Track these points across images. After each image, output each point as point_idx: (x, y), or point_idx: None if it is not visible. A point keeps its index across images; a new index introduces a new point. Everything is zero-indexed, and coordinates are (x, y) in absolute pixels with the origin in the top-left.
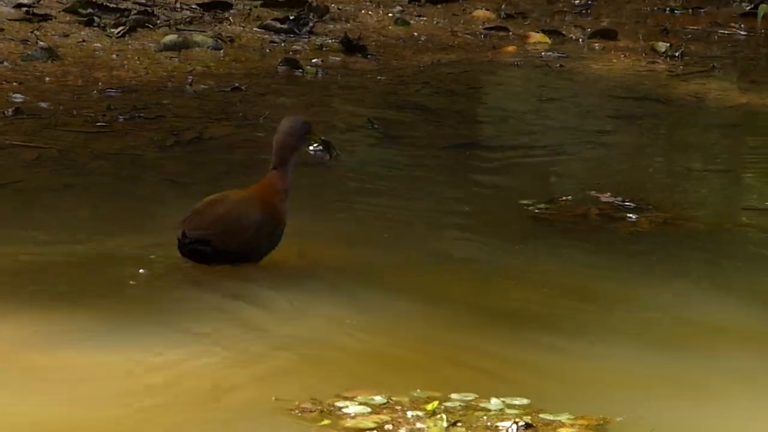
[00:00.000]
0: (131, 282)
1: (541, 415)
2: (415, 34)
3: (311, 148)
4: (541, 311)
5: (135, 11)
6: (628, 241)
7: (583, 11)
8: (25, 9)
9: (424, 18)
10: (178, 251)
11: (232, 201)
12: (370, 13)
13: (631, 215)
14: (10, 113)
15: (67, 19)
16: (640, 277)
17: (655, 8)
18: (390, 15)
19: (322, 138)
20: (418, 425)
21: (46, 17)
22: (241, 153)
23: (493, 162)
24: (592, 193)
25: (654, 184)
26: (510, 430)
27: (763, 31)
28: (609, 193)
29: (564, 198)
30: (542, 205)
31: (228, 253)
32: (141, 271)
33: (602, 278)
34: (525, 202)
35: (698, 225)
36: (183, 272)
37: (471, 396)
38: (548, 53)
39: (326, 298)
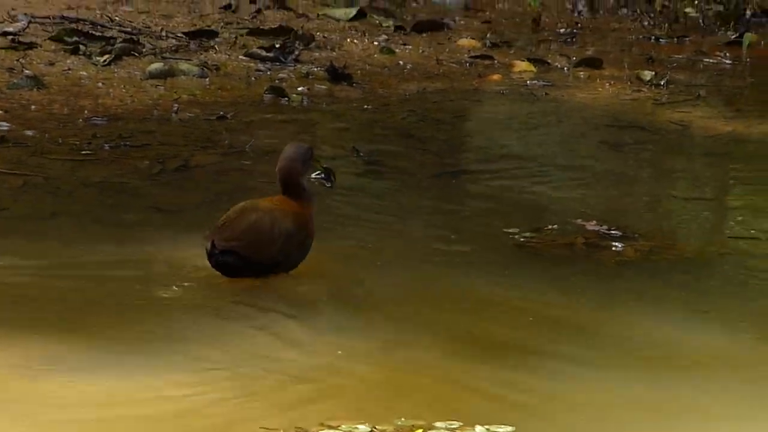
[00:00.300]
0: (125, 308)
1: None
2: (401, 62)
3: (313, 175)
4: (526, 340)
5: (121, 39)
6: (614, 271)
7: (569, 40)
8: (10, 37)
9: (410, 46)
10: (208, 262)
11: (261, 210)
12: (355, 41)
13: (616, 244)
14: None
15: (53, 47)
16: (626, 306)
17: (640, 37)
18: (375, 43)
19: (324, 165)
20: None
21: (31, 45)
22: (228, 181)
23: (479, 190)
24: (578, 221)
25: (640, 213)
26: None
27: (748, 59)
28: (595, 222)
29: (550, 226)
30: (528, 234)
31: (258, 264)
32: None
33: (588, 307)
34: (511, 230)
35: (684, 254)
36: (180, 299)
37: (455, 424)
38: (533, 81)
39: (310, 324)
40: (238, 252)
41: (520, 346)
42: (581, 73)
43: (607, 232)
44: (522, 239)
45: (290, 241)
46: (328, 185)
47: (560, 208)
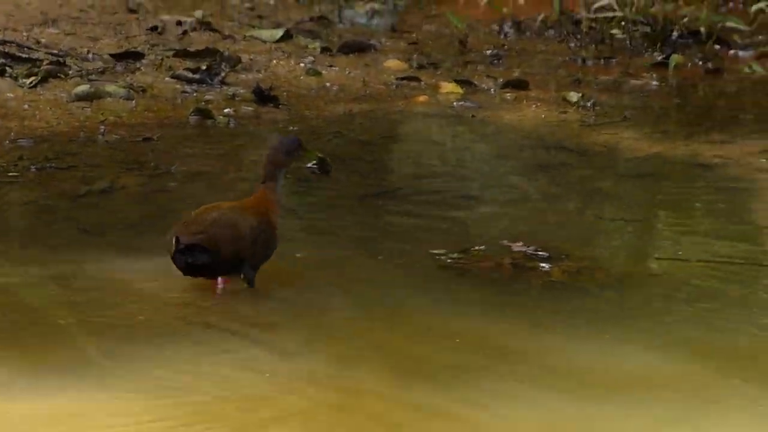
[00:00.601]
0: (58, 329)
1: None
2: (327, 84)
3: (308, 165)
4: (453, 362)
5: (47, 61)
6: (540, 291)
7: (495, 61)
8: None
9: (336, 68)
10: (173, 261)
11: (225, 208)
12: (281, 63)
13: (543, 265)
14: None
15: None
16: (553, 327)
17: (567, 58)
18: (302, 65)
19: (319, 155)
20: None
21: None
22: (154, 202)
23: (406, 211)
24: (505, 242)
25: (566, 234)
26: None
27: (674, 81)
28: (521, 243)
29: (477, 247)
30: (455, 255)
31: (224, 261)
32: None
33: (514, 328)
34: (438, 251)
35: (610, 274)
36: (117, 318)
37: None
38: (460, 103)
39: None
40: (204, 246)
41: (445, 369)
42: (508, 94)
43: (534, 252)
44: (449, 260)
45: (256, 235)
46: (323, 173)
47: (487, 229)
